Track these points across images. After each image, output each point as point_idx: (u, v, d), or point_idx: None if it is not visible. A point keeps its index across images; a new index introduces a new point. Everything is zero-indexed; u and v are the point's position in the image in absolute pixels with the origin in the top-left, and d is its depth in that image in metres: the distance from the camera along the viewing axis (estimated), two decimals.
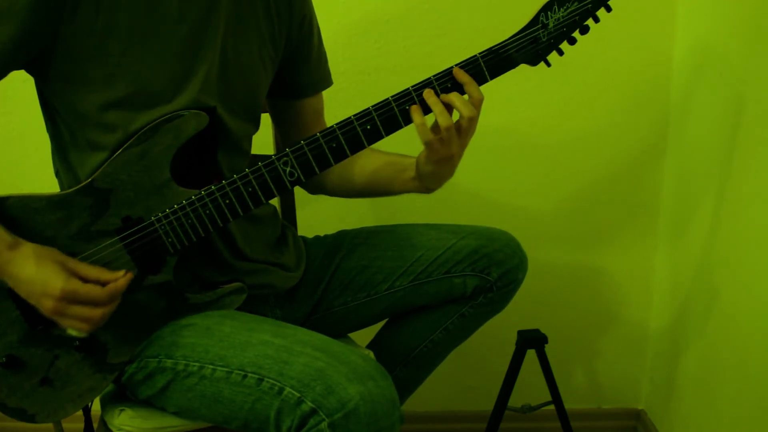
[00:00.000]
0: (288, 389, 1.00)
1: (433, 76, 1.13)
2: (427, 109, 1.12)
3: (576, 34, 1.13)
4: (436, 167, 1.20)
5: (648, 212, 1.83)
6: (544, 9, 1.11)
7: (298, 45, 1.31)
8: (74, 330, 1.07)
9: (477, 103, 1.13)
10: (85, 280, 1.05)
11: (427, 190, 1.27)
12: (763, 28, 1.35)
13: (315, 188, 1.45)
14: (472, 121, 1.13)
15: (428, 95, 1.12)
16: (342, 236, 1.43)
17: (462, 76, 1.12)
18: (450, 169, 1.21)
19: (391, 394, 1.01)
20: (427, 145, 1.15)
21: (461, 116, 1.13)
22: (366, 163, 1.34)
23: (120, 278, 1.08)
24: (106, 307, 1.06)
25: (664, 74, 1.74)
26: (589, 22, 1.12)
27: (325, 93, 1.40)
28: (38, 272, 1.03)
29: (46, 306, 1.04)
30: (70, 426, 1.48)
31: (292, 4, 1.27)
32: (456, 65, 1.12)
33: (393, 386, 1.02)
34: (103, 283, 1.06)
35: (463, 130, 1.14)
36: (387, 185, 1.33)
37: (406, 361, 1.41)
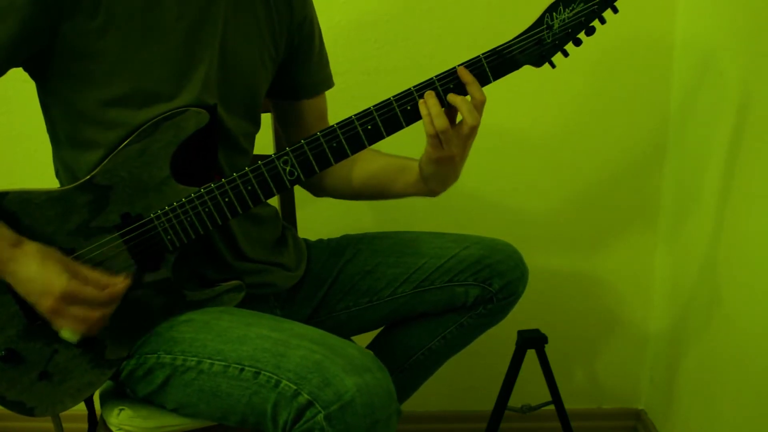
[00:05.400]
0: (285, 382, 1.00)
1: (436, 76, 1.12)
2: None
3: (582, 35, 1.12)
4: (438, 168, 1.19)
5: (648, 212, 1.83)
6: (549, 10, 1.11)
7: (299, 46, 1.31)
8: (68, 331, 1.06)
9: (479, 105, 1.12)
10: (85, 281, 1.05)
11: (431, 192, 1.26)
12: (763, 27, 1.35)
13: (318, 190, 1.44)
14: (474, 126, 1.12)
15: (429, 96, 1.12)
16: (346, 240, 1.43)
17: (465, 76, 1.11)
18: (452, 170, 1.20)
19: (388, 386, 1.01)
20: (430, 140, 1.14)
21: (464, 121, 1.12)
22: (366, 164, 1.34)
23: (119, 282, 1.07)
24: (105, 309, 1.06)
25: (664, 74, 1.74)
26: (595, 23, 1.11)
27: (325, 93, 1.40)
28: (41, 271, 1.03)
29: (45, 304, 1.04)
30: (72, 426, 1.49)
31: (293, 5, 1.28)
32: (459, 65, 1.12)
33: (390, 379, 1.02)
34: (103, 287, 1.06)
35: (463, 134, 1.13)
36: (386, 187, 1.33)
37: (402, 368, 1.41)
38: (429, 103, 1.11)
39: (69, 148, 1.15)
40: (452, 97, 1.12)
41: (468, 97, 1.13)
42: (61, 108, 1.13)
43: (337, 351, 1.02)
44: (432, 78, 1.12)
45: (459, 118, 1.14)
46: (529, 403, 1.68)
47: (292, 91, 1.35)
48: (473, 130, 1.12)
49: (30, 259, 1.04)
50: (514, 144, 1.79)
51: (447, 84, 1.12)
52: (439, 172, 1.20)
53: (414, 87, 1.13)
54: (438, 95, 1.12)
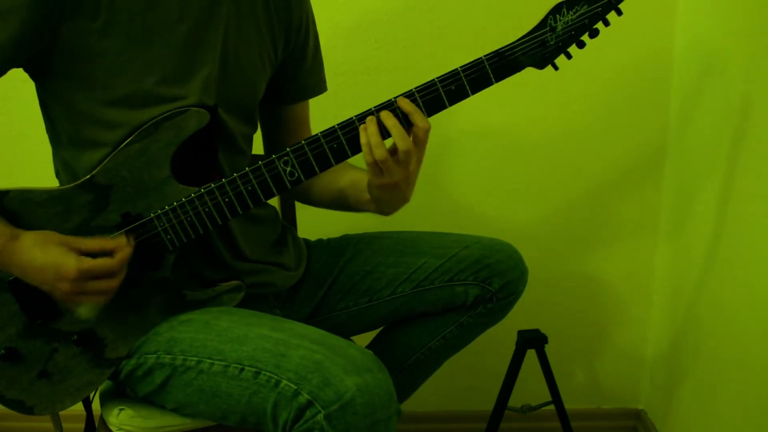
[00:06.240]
0: (285, 381, 1.00)
1: (395, 97, 1.10)
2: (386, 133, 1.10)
3: (585, 37, 1.11)
4: (382, 193, 1.18)
5: (648, 212, 1.83)
6: (553, 12, 1.10)
7: (294, 48, 1.31)
8: (87, 308, 1.08)
9: (421, 133, 1.10)
10: (90, 254, 1.06)
11: (382, 212, 1.25)
12: (763, 28, 1.35)
13: (302, 198, 1.44)
14: (408, 153, 1.10)
15: (370, 122, 1.09)
16: (346, 240, 1.43)
17: (406, 106, 1.09)
18: (399, 195, 1.18)
19: (389, 386, 1.01)
20: (368, 167, 1.12)
21: (397, 148, 1.10)
22: (338, 175, 1.33)
23: (125, 245, 1.08)
24: (119, 275, 1.07)
25: (664, 75, 1.74)
26: (599, 25, 1.10)
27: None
28: (46, 259, 1.04)
29: (63, 289, 1.04)
30: (71, 426, 1.49)
31: (291, 7, 1.27)
32: (460, 68, 1.11)
33: (390, 379, 1.02)
34: (109, 253, 1.07)
35: (401, 162, 1.11)
36: (346, 202, 1.33)
37: (402, 368, 1.41)
38: (369, 132, 1.09)
39: (69, 147, 1.15)
40: (385, 118, 1.09)
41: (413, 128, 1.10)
42: (61, 108, 1.13)
43: (338, 351, 1.02)
44: (391, 99, 1.10)
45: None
46: (529, 403, 1.68)
47: (281, 94, 1.35)
48: (407, 155, 1.10)
49: (31, 249, 1.04)
50: (514, 144, 1.79)
51: (440, 91, 1.10)
52: (384, 196, 1.19)
53: (415, 88, 1.12)
54: (396, 116, 1.10)
